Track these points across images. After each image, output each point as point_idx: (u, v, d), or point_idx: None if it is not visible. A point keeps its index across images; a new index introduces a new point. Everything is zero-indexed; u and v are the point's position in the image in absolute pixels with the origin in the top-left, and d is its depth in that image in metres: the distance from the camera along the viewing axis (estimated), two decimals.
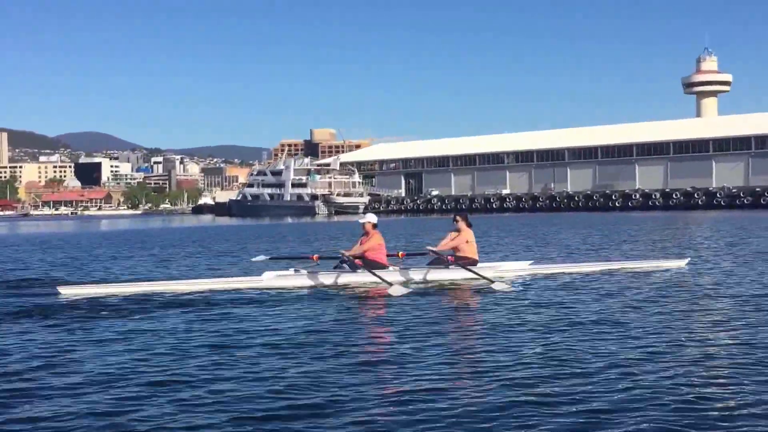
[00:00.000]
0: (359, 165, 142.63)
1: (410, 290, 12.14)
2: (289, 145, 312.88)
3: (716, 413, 5.34)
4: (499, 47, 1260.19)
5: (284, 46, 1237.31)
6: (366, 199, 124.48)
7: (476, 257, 14.14)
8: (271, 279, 13.28)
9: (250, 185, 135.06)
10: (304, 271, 13.55)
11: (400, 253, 14.74)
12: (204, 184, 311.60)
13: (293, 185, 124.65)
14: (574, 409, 5.47)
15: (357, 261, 13.37)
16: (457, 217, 14.32)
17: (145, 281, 14.03)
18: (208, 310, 10.63)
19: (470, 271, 13.55)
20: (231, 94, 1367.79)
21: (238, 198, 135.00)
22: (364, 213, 16.20)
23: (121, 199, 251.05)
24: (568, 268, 15.11)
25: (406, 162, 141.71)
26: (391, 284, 12.42)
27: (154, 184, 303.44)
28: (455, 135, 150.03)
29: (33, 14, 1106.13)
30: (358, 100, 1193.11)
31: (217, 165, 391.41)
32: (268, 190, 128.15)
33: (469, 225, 14.21)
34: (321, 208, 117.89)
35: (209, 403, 5.78)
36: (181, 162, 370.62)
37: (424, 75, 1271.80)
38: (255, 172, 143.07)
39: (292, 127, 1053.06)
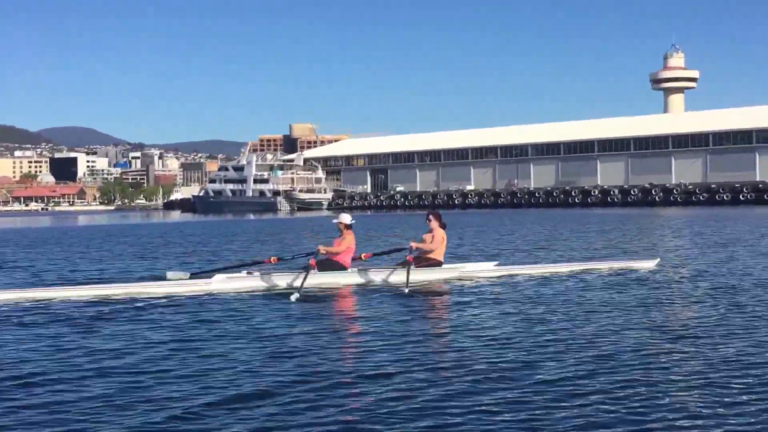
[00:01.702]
0: (326, 161, 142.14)
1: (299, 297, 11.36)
2: (268, 140, 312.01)
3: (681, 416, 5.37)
4: (472, 44, 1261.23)
5: (276, 41, 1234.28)
6: (329, 195, 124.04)
7: (441, 258, 13.81)
8: (221, 282, 12.63)
9: (213, 181, 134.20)
10: (257, 273, 12.93)
11: (363, 254, 14.02)
12: (183, 179, 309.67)
13: (255, 181, 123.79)
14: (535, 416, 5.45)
15: (311, 261, 12.91)
16: (430, 216, 13.89)
17: (78, 285, 13.18)
18: (149, 315, 10.07)
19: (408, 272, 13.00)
20: (217, 88, 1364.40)
21: (201, 194, 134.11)
22: (336, 212, 15.43)
23: (97, 195, 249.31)
24: (535, 269, 14.71)
25: (371, 158, 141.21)
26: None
27: (132, 179, 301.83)
28: (436, 130, 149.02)
29: (15, 8, 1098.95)
30: (340, 95, 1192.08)
31: (198, 160, 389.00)
32: (231, 186, 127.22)
33: (443, 225, 13.80)
34: (283, 204, 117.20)
35: (153, 410, 5.61)
36: (160, 157, 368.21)
37: (403, 71, 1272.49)
38: (219, 168, 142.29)
39: (281, 121, 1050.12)
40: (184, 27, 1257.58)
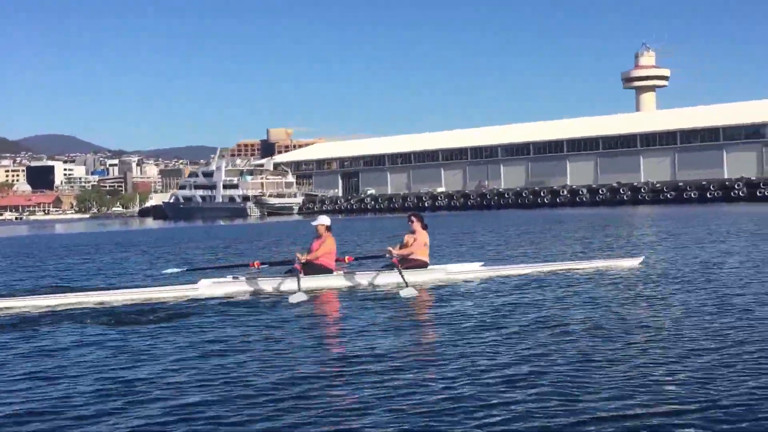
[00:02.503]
0: (298, 165, 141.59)
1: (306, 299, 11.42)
2: (246, 146, 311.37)
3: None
4: (464, 45, 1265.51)
5: (264, 44, 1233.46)
6: (299, 199, 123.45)
7: (427, 260, 13.66)
8: (207, 287, 12.47)
9: (183, 187, 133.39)
10: (242, 278, 12.82)
11: (347, 257, 14.11)
12: (162, 185, 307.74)
13: (225, 187, 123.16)
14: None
15: (297, 266, 12.69)
16: (412, 218, 13.75)
17: (58, 293, 12.76)
18: (135, 323, 9.78)
19: (400, 274, 12.82)
20: (199, 94, 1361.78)
21: (171, 200, 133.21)
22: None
23: (74, 203, 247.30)
24: (520, 269, 14.60)
25: (343, 161, 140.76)
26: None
27: (110, 186, 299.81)
28: (428, 130, 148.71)
29: (15, 9, 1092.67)
30: (319, 99, 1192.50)
31: (177, 166, 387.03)
32: (200, 192, 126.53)
33: (425, 226, 13.65)
34: (253, 210, 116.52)
35: (139, 423, 5.47)
36: (138, 164, 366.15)
37: (379, 72, 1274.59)
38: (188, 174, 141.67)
39: (263, 126, 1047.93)
40: (184, 27, 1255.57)
